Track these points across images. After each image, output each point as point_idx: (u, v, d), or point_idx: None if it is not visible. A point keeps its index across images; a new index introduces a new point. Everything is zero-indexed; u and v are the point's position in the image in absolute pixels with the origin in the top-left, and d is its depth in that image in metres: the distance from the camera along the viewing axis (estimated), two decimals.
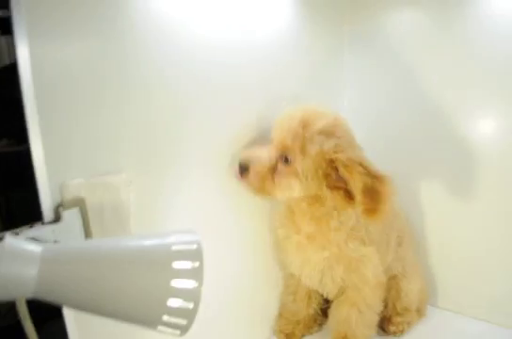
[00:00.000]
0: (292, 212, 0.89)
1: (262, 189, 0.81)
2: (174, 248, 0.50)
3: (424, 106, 1.09)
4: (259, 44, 0.94)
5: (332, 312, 0.98)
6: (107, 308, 0.47)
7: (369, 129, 1.13)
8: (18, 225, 0.60)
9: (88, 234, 0.66)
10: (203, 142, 0.84)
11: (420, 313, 1.07)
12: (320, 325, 1.06)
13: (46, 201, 0.63)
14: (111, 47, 0.68)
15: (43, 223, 0.62)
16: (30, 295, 0.44)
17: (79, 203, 0.65)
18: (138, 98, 0.72)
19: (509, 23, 0.93)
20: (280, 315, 1.04)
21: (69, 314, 0.65)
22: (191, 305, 0.47)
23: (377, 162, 0.81)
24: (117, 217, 0.69)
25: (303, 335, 1.03)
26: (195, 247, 0.51)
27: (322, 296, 1.03)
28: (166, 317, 0.47)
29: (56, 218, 0.63)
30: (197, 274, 0.48)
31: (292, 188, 0.81)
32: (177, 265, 0.48)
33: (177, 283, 0.47)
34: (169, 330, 0.48)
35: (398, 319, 1.02)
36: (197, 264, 0.49)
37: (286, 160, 0.80)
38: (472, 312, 1.09)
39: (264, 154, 0.82)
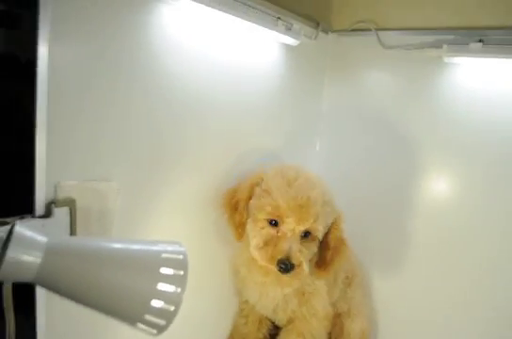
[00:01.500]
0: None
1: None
2: (164, 255, 0.55)
3: (392, 164, 1.19)
4: (250, 99, 1.03)
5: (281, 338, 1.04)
6: (97, 301, 0.51)
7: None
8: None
9: (72, 232, 0.70)
10: (191, 166, 0.91)
11: None
12: None
13: (40, 197, 0.67)
14: (124, 57, 0.73)
15: (34, 216, 0.66)
16: (30, 280, 0.48)
17: (70, 204, 0.70)
18: (140, 113, 0.78)
19: (472, 96, 1.06)
20: (231, 337, 1.09)
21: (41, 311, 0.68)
22: (172, 308, 0.52)
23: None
24: (101, 221, 0.74)
25: None
26: (181, 257, 0.56)
27: (272, 322, 1.08)
28: (147, 316, 0.52)
29: (47, 214, 0.67)
30: (181, 281, 0.54)
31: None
32: (164, 270, 0.53)
33: (162, 287, 0.52)
34: (147, 328, 0.53)
35: None
36: (181, 272, 0.54)
37: (305, 235, 0.87)
38: None
39: (300, 248, 0.85)
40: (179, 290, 0.53)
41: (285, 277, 0.85)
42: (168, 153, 0.85)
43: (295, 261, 0.82)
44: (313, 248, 0.89)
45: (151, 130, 0.81)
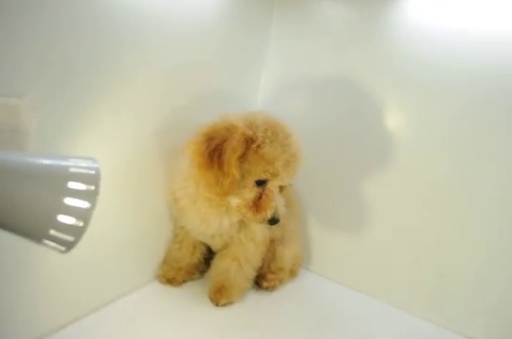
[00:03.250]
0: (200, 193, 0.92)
1: None
2: (73, 169, 0.52)
3: (342, 101, 1.16)
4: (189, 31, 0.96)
5: (214, 263, 1.06)
6: None
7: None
8: None
9: None
10: (124, 85, 0.85)
11: (293, 273, 1.17)
12: (201, 272, 1.13)
13: None
14: None
15: None
16: None
17: None
18: (69, 23, 0.71)
19: (423, 28, 1.02)
20: (165, 262, 1.09)
21: None
22: (81, 223, 0.50)
23: None
24: (14, 140, 0.68)
25: (184, 281, 1.09)
26: (93, 172, 0.53)
27: (206, 247, 1.09)
28: (53, 232, 0.49)
29: None
30: (91, 197, 0.51)
31: None
32: (72, 185, 0.50)
33: (70, 201, 0.49)
34: (55, 244, 0.50)
35: (271, 276, 1.11)
36: (92, 187, 0.51)
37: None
38: (338, 278, 1.23)
39: (280, 199, 0.88)
40: (88, 206, 0.50)
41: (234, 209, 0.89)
42: (97, 73, 0.79)
43: (281, 214, 0.87)
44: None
45: (78, 41, 0.74)
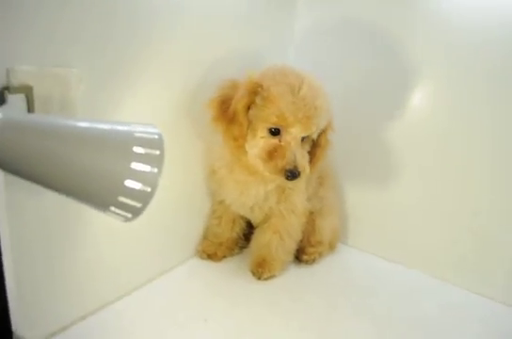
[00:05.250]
0: (238, 159, 0.90)
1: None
2: (137, 134, 0.50)
3: (379, 74, 1.12)
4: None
5: (255, 237, 1.05)
6: (63, 182, 0.47)
7: None
8: None
9: None
10: (159, 53, 0.82)
11: (331, 247, 1.16)
12: (241, 248, 1.12)
13: None
14: None
15: None
16: None
17: (26, 90, 0.63)
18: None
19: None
20: (205, 238, 1.09)
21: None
22: (148, 189, 0.49)
23: None
24: (63, 110, 0.67)
25: (224, 256, 1.08)
26: (156, 137, 0.51)
27: (245, 222, 1.09)
28: (121, 198, 0.48)
29: (1, 101, 0.60)
30: (157, 161, 0.50)
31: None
32: (138, 149, 0.49)
33: (137, 166, 0.48)
34: (121, 212, 0.49)
35: (311, 250, 1.10)
36: (157, 152, 0.50)
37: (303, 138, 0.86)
38: (376, 251, 1.21)
39: (302, 153, 0.85)
40: (155, 170, 0.49)
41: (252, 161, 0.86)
42: (134, 44, 0.77)
43: (301, 168, 0.82)
44: (308, 147, 0.90)
45: (120, 22, 0.73)
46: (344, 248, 1.23)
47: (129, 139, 0.49)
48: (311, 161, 0.89)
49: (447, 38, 1.01)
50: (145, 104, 0.82)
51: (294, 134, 0.82)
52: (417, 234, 1.14)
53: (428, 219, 1.11)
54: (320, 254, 1.12)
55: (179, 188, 0.98)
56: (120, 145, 0.49)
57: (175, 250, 1.04)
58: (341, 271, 1.12)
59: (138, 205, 0.49)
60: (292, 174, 0.81)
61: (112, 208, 0.49)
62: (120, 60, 0.75)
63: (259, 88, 0.81)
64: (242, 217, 1.07)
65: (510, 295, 1.01)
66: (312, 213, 1.08)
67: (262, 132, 0.83)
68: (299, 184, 0.96)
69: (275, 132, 0.83)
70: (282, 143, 0.82)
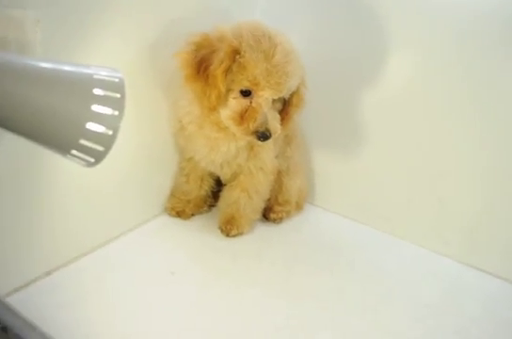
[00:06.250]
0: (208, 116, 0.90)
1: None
2: (96, 76, 0.49)
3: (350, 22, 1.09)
4: None
5: (224, 194, 1.05)
6: (22, 125, 0.45)
7: None
8: None
9: None
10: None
11: (298, 206, 1.18)
12: (210, 206, 1.13)
13: None
14: None
15: None
16: None
17: None
18: None
19: None
20: (173, 195, 1.08)
21: None
22: (110, 132, 0.47)
23: None
24: (21, 53, 0.64)
25: (193, 214, 1.08)
26: (117, 80, 0.50)
27: (214, 179, 1.09)
28: (83, 141, 0.47)
29: None
30: (118, 104, 0.48)
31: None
32: (98, 91, 0.47)
33: (98, 109, 0.47)
34: (83, 156, 0.48)
35: (278, 208, 1.11)
36: (118, 95, 0.48)
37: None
38: (342, 211, 1.24)
39: (273, 115, 0.86)
40: (116, 113, 0.48)
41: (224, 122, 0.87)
42: None
43: (272, 130, 0.84)
44: (279, 107, 0.90)
45: None
46: (312, 208, 1.25)
47: (89, 81, 0.48)
48: (282, 120, 0.89)
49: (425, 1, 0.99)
50: (103, 54, 0.79)
51: (265, 96, 0.83)
52: (382, 195, 1.16)
53: (394, 181, 1.13)
54: (287, 213, 1.13)
55: (147, 144, 0.97)
56: (81, 86, 0.47)
57: (143, 206, 1.04)
58: (307, 230, 1.14)
59: (100, 149, 0.48)
60: (263, 136, 0.83)
61: (74, 151, 0.47)
62: (76, 6, 0.71)
63: (237, 56, 0.80)
64: (210, 175, 1.07)
65: (463, 252, 1.06)
66: (279, 172, 1.09)
67: (233, 93, 0.83)
68: (269, 142, 0.96)
69: (246, 93, 0.83)
70: (253, 105, 0.83)
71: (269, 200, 1.09)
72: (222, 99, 0.83)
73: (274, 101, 0.86)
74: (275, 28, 0.84)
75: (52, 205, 0.80)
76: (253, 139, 0.85)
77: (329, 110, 1.18)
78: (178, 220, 1.06)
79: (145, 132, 0.95)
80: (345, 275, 0.96)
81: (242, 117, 0.83)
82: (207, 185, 1.09)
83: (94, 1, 0.74)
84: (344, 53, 1.11)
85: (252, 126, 0.82)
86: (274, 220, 1.11)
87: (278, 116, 0.88)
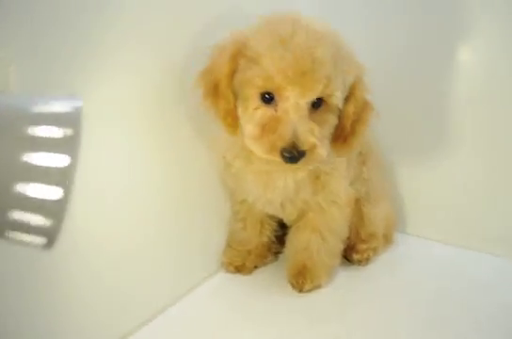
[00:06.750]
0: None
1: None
2: (39, 109, 0.31)
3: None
4: None
5: (290, 238, 0.83)
6: None
7: None
8: None
9: None
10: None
11: (387, 239, 0.94)
12: (276, 254, 0.91)
13: None
14: None
15: None
16: None
17: None
18: None
19: None
20: (229, 246, 0.89)
21: None
22: (59, 193, 0.29)
23: None
24: None
25: (255, 267, 0.88)
26: (70, 110, 0.32)
27: (276, 222, 0.88)
28: (17, 213, 0.29)
29: None
30: (69, 146, 0.30)
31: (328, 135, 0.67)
32: (37, 130, 0.29)
33: (34, 159, 0.29)
34: (25, 236, 0.30)
35: (363, 246, 0.88)
36: (70, 131, 0.30)
37: (315, 105, 0.63)
38: (442, 237, 0.98)
39: (310, 126, 0.61)
40: (67, 161, 0.29)
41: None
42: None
43: (305, 145, 0.60)
44: (332, 120, 0.66)
45: None
46: (404, 238, 1.00)
47: (24, 116, 0.30)
48: (337, 139, 0.68)
49: None
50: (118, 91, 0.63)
51: (292, 99, 0.60)
52: (493, 212, 0.92)
53: (507, 193, 0.89)
54: (374, 251, 0.90)
55: (189, 189, 0.79)
56: (9, 125, 0.30)
57: (196, 265, 0.84)
58: (403, 270, 0.89)
59: (47, 223, 0.29)
60: (290, 155, 0.60)
61: (9, 233, 0.30)
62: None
63: (241, 47, 0.61)
64: (271, 216, 0.87)
65: None
66: (357, 201, 0.86)
67: (253, 101, 0.62)
68: (338, 166, 0.75)
69: (268, 99, 0.62)
70: (278, 113, 0.61)
71: (349, 237, 0.86)
72: (232, 108, 0.64)
73: (318, 109, 0.63)
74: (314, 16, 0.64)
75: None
76: (279, 160, 0.61)
77: (407, 114, 0.97)
78: (238, 277, 0.86)
79: (185, 177, 0.78)
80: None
81: (263, 130, 0.62)
82: (269, 230, 0.88)
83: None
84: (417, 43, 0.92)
85: (273, 140, 0.60)
86: (359, 262, 0.88)
87: (319, 128, 0.62)
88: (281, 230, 0.90)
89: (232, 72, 0.62)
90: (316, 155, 0.62)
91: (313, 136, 0.61)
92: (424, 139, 0.97)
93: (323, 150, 0.62)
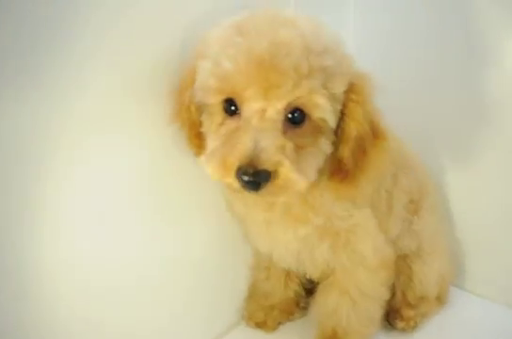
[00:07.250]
0: None
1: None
2: None
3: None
4: None
5: (318, 299, 0.70)
6: None
7: None
8: None
9: None
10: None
11: (440, 300, 0.79)
12: (304, 308, 0.79)
13: None
14: None
15: None
16: None
17: None
18: None
19: None
20: (251, 298, 0.78)
21: None
22: None
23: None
24: None
25: (280, 323, 0.77)
26: None
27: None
28: None
29: None
30: None
31: (315, 164, 0.50)
32: None
33: None
34: None
35: (409, 313, 0.74)
36: None
37: (294, 120, 0.47)
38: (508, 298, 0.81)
39: (271, 139, 0.45)
40: None
41: (294, 208, 0.54)
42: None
43: (266, 164, 0.44)
44: (322, 144, 0.50)
45: None
46: (459, 294, 0.84)
47: None
48: (339, 171, 0.52)
49: None
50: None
51: (255, 104, 0.45)
52: None
53: None
54: (423, 316, 0.75)
55: (206, 238, 0.70)
56: None
57: (215, 316, 0.75)
58: (456, 335, 0.75)
59: None
60: (248, 177, 0.44)
61: None
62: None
63: (202, 49, 0.50)
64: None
65: None
66: (405, 256, 0.73)
67: (218, 115, 0.49)
68: (363, 221, 0.60)
69: (233, 111, 0.48)
70: (240, 122, 0.47)
71: (393, 298, 0.73)
72: (197, 123, 0.53)
73: (297, 128, 0.47)
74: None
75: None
76: (236, 186, 0.46)
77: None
78: (260, 333, 0.75)
79: (209, 219, 0.69)
80: None
81: (221, 145, 0.48)
82: (295, 282, 0.76)
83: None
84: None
85: (226, 158, 0.46)
86: (403, 330, 0.74)
87: (291, 145, 0.46)
88: (311, 283, 0.77)
89: (194, 80, 0.50)
90: (285, 181, 0.45)
91: (282, 154, 0.45)
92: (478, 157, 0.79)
93: (295, 174, 0.45)
